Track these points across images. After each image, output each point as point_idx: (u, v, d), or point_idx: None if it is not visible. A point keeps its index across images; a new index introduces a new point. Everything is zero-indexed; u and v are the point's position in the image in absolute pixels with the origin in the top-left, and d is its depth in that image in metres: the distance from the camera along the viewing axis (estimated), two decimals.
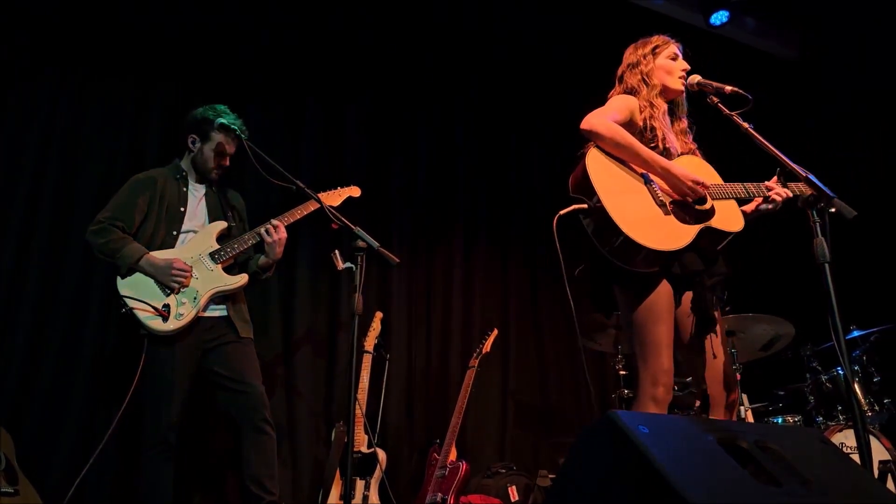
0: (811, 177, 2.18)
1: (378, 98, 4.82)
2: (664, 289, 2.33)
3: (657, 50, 2.59)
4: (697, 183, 2.34)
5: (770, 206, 2.48)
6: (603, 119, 2.40)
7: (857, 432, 1.93)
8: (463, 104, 5.15)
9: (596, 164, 2.37)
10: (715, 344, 2.37)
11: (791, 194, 2.45)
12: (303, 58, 4.57)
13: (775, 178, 2.48)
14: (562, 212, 2.37)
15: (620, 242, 2.24)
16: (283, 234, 3.14)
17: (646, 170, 2.39)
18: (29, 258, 3.62)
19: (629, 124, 2.48)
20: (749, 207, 2.53)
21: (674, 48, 2.61)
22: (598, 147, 2.40)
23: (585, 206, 2.33)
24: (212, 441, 3.73)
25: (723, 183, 2.48)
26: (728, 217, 2.41)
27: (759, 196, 2.48)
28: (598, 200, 2.28)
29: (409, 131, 4.91)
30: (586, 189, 2.33)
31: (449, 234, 4.87)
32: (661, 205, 2.35)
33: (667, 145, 2.46)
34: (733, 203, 2.47)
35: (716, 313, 2.39)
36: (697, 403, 4.00)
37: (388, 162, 4.77)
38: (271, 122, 4.36)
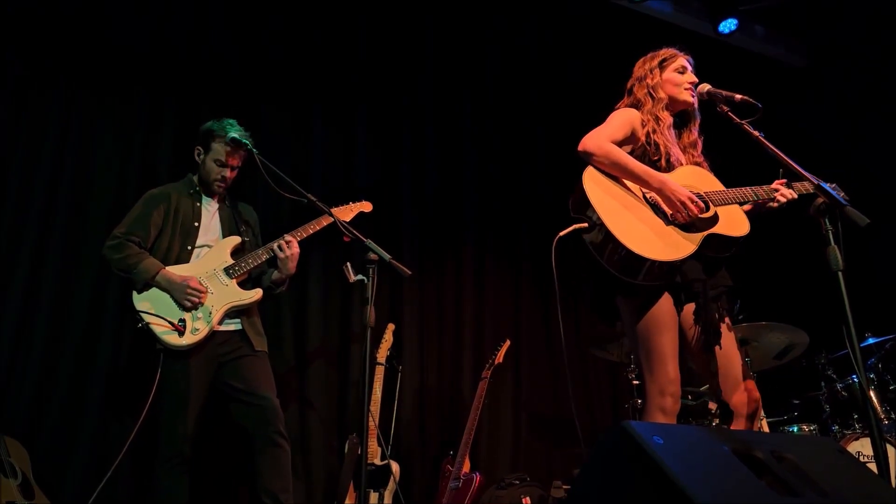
0: (823, 184, 2.17)
1: (385, 107, 4.82)
2: (666, 299, 2.34)
3: (665, 63, 2.60)
4: (692, 200, 2.32)
5: (774, 205, 2.52)
6: (597, 139, 2.42)
7: (874, 441, 1.91)
8: (470, 112, 5.15)
9: (593, 183, 2.38)
10: (727, 355, 2.35)
11: (796, 195, 2.51)
12: (309, 67, 4.58)
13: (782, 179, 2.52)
14: (562, 233, 2.38)
15: (623, 256, 2.25)
16: (295, 249, 3.16)
17: (641, 185, 2.40)
18: (43, 272, 3.64)
19: (630, 139, 2.50)
20: (750, 205, 2.54)
21: (682, 60, 2.61)
22: (594, 166, 2.42)
23: (585, 224, 2.34)
24: (226, 454, 3.73)
25: (726, 189, 2.48)
26: (733, 222, 2.41)
27: (767, 197, 2.51)
28: (598, 218, 2.29)
29: (417, 140, 4.92)
30: (586, 208, 2.35)
31: (459, 243, 4.86)
32: (662, 216, 2.35)
33: (671, 160, 2.47)
34: (737, 208, 2.47)
35: (726, 323, 2.38)
36: (713, 407, 3.98)
37: (397, 171, 4.78)
38: (280, 133, 4.37)
